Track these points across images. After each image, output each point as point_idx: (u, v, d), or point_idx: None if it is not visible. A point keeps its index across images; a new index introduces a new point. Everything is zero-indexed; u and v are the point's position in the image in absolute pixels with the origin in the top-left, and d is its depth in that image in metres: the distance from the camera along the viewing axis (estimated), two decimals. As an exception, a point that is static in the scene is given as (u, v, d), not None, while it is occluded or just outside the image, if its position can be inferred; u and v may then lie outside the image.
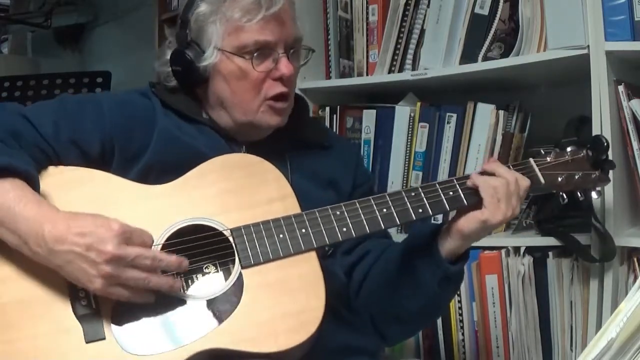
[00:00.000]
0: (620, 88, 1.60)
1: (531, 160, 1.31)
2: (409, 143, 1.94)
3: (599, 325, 1.60)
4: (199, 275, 1.18)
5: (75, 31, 3.59)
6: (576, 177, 1.32)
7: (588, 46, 1.60)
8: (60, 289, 1.12)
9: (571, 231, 1.67)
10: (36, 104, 1.31)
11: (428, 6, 1.92)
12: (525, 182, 1.25)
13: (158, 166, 1.26)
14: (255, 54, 1.28)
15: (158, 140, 1.28)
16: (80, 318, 1.10)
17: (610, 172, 1.38)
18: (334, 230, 1.19)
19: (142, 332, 1.10)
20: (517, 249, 1.76)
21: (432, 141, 1.90)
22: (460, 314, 1.82)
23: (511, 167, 1.28)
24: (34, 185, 1.15)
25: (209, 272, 1.19)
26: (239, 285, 1.14)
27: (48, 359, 1.07)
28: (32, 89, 2.44)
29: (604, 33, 1.58)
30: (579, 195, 1.33)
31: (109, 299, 1.11)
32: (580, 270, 1.66)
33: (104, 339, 1.09)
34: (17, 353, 1.07)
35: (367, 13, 2.06)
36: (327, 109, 2.07)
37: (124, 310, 1.11)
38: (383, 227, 1.22)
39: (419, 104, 1.93)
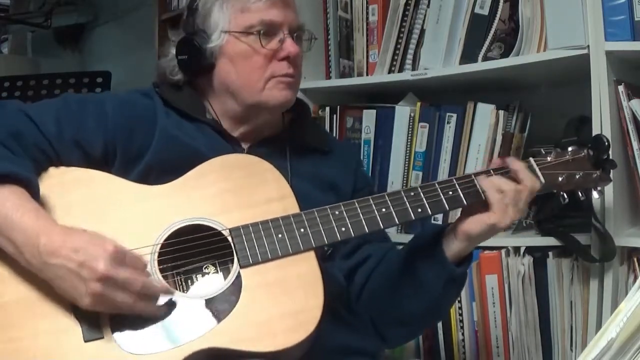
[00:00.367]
0: (620, 88, 1.60)
1: (531, 159, 1.30)
2: (409, 143, 1.94)
3: (599, 325, 1.60)
4: (199, 275, 1.19)
5: (75, 31, 3.59)
6: (577, 176, 1.31)
7: (588, 46, 1.60)
8: None
9: (571, 231, 1.67)
10: (39, 102, 1.30)
11: (428, 6, 1.92)
12: (536, 184, 1.24)
13: (158, 166, 1.26)
14: (261, 33, 1.30)
15: (159, 141, 1.28)
16: (79, 317, 1.10)
17: (612, 171, 1.37)
18: (332, 230, 1.19)
19: (141, 331, 1.10)
20: (517, 249, 1.75)
21: (432, 141, 1.90)
22: (460, 314, 1.82)
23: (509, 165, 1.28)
24: (34, 193, 1.14)
25: (209, 272, 1.19)
26: (237, 284, 1.14)
27: (47, 358, 1.07)
28: (32, 89, 2.44)
29: (604, 33, 1.58)
30: (580, 195, 1.32)
31: None
32: (580, 270, 1.65)
33: (103, 338, 1.09)
34: (17, 352, 1.07)
35: (367, 13, 2.06)
36: (327, 109, 2.07)
37: None
38: (382, 226, 1.22)
39: (419, 104, 1.93)
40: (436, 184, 1.25)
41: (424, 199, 1.23)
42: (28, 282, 1.11)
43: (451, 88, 2.04)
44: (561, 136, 1.45)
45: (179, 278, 1.18)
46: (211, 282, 1.18)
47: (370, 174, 1.98)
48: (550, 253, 1.71)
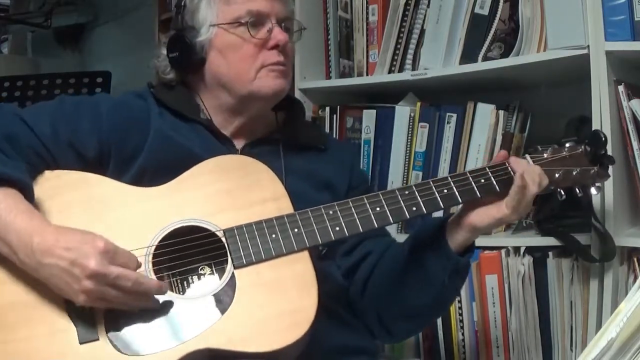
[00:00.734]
0: (620, 88, 1.60)
1: (527, 156, 1.30)
2: (409, 143, 1.94)
3: (599, 325, 1.60)
4: (194, 277, 1.19)
5: (75, 31, 3.58)
6: (574, 173, 1.30)
7: (588, 46, 1.60)
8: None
9: (571, 231, 1.67)
10: (33, 105, 1.32)
11: (428, 6, 1.92)
12: (545, 181, 1.24)
13: (152, 167, 1.26)
14: (249, 23, 1.31)
15: (153, 142, 1.29)
16: (74, 319, 1.10)
17: (610, 167, 1.36)
18: (326, 230, 1.19)
19: (135, 332, 1.10)
20: (517, 249, 1.75)
21: (432, 141, 1.90)
22: (460, 314, 1.82)
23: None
24: (28, 195, 1.15)
25: (204, 274, 1.19)
26: (231, 285, 1.14)
27: None
28: (32, 89, 2.44)
29: (604, 33, 1.58)
30: (577, 191, 1.31)
31: None
32: (580, 270, 1.65)
33: (97, 339, 1.09)
34: (13, 354, 1.07)
35: (367, 13, 2.06)
36: (327, 109, 2.07)
37: (118, 311, 1.11)
38: (376, 225, 1.21)
39: (419, 104, 1.93)
40: (431, 182, 1.24)
41: (418, 198, 1.22)
42: (23, 284, 1.12)
43: (451, 88, 2.04)
44: (561, 136, 1.44)
45: (174, 279, 1.18)
46: (207, 283, 1.18)
47: (370, 174, 1.98)
48: (550, 253, 1.70)
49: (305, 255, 1.18)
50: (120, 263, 1.08)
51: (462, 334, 1.83)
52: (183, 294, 1.17)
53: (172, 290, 1.16)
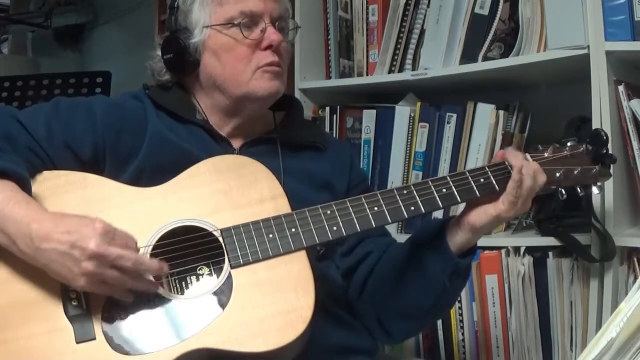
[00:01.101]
0: (620, 88, 1.60)
1: (527, 155, 1.29)
2: (409, 143, 1.94)
3: (599, 325, 1.60)
4: (192, 277, 1.19)
5: (75, 31, 3.58)
6: (575, 172, 1.29)
7: (588, 46, 1.60)
8: (53, 290, 1.12)
9: (571, 231, 1.67)
10: (29, 107, 1.32)
11: (428, 6, 1.93)
12: (542, 177, 1.24)
13: (150, 168, 1.26)
14: (242, 23, 1.30)
15: (150, 143, 1.29)
16: (71, 319, 1.10)
17: (612, 166, 1.35)
18: (324, 230, 1.19)
19: (132, 332, 1.10)
20: (517, 249, 1.75)
21: (432, 141, 1.90)
22: (460, 314, 1.83)
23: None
24: (25, 187, 1.15)
25: (202, 274, 1.19)
26: (228, 285, 1.14)
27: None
28: (32, 89, 2.43)
29: (604, 33, 1.58)
30: (579, 190, 1.30)
31: (99, 299, 1.11)
32: (580, 270, 1.66)
33: (94, 339, 1.09)
34: (10, 354, 1.08)
35: (367, 13, 2.06)
36: (327, 109, 2.08)
37: (115, 311, 1.12)
38: (374, 225, 1.21)
39: (419, 104, 1.93)
40: (430, 182, 1.24)
41: (417, 197, 1.22)
42: (20, 284, 1.12)
43: (451, 88, 2.04)
44: (561, 136, 1.44)
45: (172, 279, 1.17)
46: (204, 283, 1.18)
47: (370, 174, 1.98)
48: (550, 253, 1.70)
49: (302, 255, 1.17)
50: (120, 244, 1.09)
51: (462, 334, 1.83)
52: (180, 293, 1.17)
53: (170, 290, 1.16)
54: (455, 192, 1.23)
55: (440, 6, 1.89)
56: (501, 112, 1.83)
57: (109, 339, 1.09)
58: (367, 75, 2.06)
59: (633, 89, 1.61)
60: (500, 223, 1.24)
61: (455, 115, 1.87)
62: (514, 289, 1.74)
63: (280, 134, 1.39)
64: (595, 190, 1.32)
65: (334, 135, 2.03)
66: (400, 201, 1.22)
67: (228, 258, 1.16)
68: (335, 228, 1.19)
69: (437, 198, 1.22)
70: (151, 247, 1.16)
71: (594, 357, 0.70)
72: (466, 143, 1.86)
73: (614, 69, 1.60)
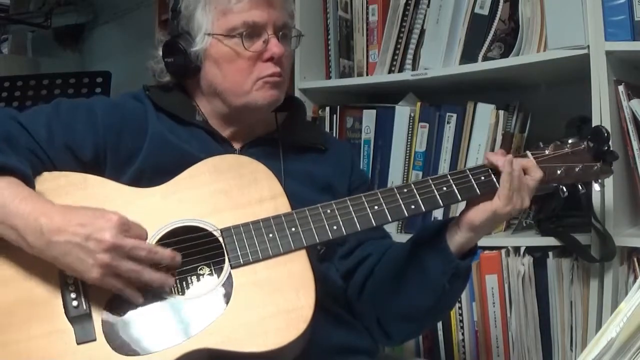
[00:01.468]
0: (620, 88, 1.60)
1: (528, 152, 1.29)
2: (409, 143, 1.94)
3: (599, 325, 1.60)
4: (192, 277, 1.19)
5: (75, 31, 3.58)
6: (576, 169, 1.29)
7: (588, 46, 1.60)
8: (53, 291, 1.12)
9: (571, 231, 1.67)
10: (30, 109, 1.31)
11: (428, 6, 1.93)
12: (538, 173, 1.24)
13: (150, 169, 1.26)
14: (244, 35, 1.29)
15: (150, 144, 1.28)
16: (71, 320, 1.10)
17: (613, 163, 1.34)
18: (324, 229, 1.19)
19: (133, 332, 1.10)
20: (517, 249, 1.76)
21: (432, 141, 1.90)
22: (460, 314, 1.83)
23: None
24: (30, 185, 1.16)
25: (203, 274, 1.19)
26: (228, 285, 1.14)
27: None
28: (32, 89, 2.44)
29: (604, 33, 1.58)
30: (580, 187, 1.29)
31: (100, 300, 1.11)
32: (580, 270, 1.66)
33: (95, 340, 1.09)
34: (10, 356, 1.08)
35: (367, 13, 2.06)
36: (327, 109, 2.08)
37: (115, 312, 1.12)
38: (374, 224, 1.21)
39: (419, 104, 1.93)
40: (430, 180, 1.24)
41: (417, 196, 1.22)
42: (21, 285, 1.12)
43: (451, 88, 2.04)
44: (562, 136, 1.44)
45: (173, 278, 1.18)
46: (205, 283, 1.18)
47: (370, 174, 1.98)
48: (550, 253, 1.70)
49: (302, 255, 1.17)
50: (134, 235, 1.10)
51: (462, 334, 1.83)
52: (181, 293, 1.16)
53: (171, 290, 1.16)
54: (456, 190, 1.23)
55: (440, 6, 1.89)
56: (501, 112, 1.83)
57: (110, 340, 1.09)
58: (367, 75, 2.06)
59: (633, 89, 1.61)
60: (499, 221, 1.23)
61: (455, 115, 1.87)
62: (514, 289, 1.74)
63: (281, 135, 1.39)
64: (596, 187, 1.31)
65: (334, 135, 2.03)
66: (400, 200, 1.21)
67: (228, 258, 1.16)
68: (335, 227, 1.19)
69: (438, 196, 1.22)
70: (152, 247, 1.16)
71: (594, 357, 0.70)
72: (466, 143, 1.86)
73: (614, 69, 1.60)
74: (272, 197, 1.22)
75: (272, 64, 1.30)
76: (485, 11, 1.84)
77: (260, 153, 1.32)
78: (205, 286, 1.16)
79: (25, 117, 1.26)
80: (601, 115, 1.58)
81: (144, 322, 1.12)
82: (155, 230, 1.17)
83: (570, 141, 1.31)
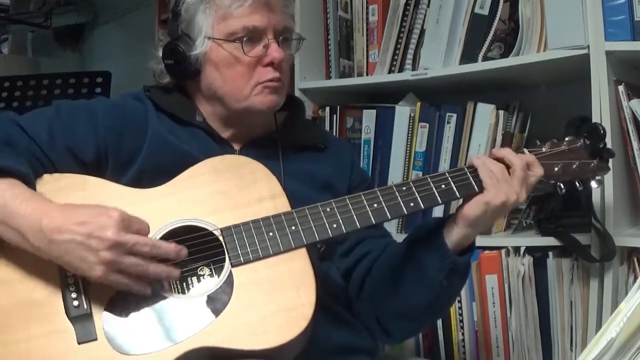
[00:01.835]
0: (620, 88, 1.60)
1: (525, 150, 1.29)
2: (409, 143, 1.94)
3: (599, 325, 1.60)
4: (193, 277, 1.19)
5: (75, 31, 3.58)
6: (574, 166, 1.29)
7: (588, 46, 1.60)
8: (53, 291, 1.13)
9: (571, 231, 1.67)
10: (31, 112, 1.31)
11: (428, 6, 1.93)
12: (539, 170, 1.24)
13: (150, 170, 1.26)
14: (244, 39, 1.29)
15: (150, 145, 1.29)
16: (72, 319, 1.10)
17: (610, 160, 1.34)
18: (324, 227, 1.19)
19: (133, 332, 1.10)
20: (517, 249, 1.76)
21: (432, 141, 1.90)
22: (460, 314, 1.83)
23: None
24: (31, 185, 1.16)
25: (203, 274, 1.19)
26: (229, 283, 1.14)
27: None
28: (32, 89, 2.43)
29: (604, 33, 1.58)
30: (578, 185, 1.30)
31: (101, 300, 1.12)
32: (580, 270, 1.66)
33: (96, 339, 1.09)
34: (11, 355, 1.08)
35: (367, 13, 2.06)
36: (327, 109, 2.08)
37: (116, 311, 1.12)
38: (374, 222, 1.21)
39: (419, 104, 1.93)
40: (428, 178, 1.24)
41: (416, 193, 1.22)
42: (22, 286, 1.12)
43: (451, 88, 2.04)
44: (562, 136, 1.44)
45: (173, 279, 1.18)
46: (206, 283, 1.18)
47: (370, 174, 1.98)
48: (550, 253, 1.71)
49: (303, 253, 1.18)
50: (136, 230, 1.10)
51: (462, 334, 1.83)
52: (181, 293, 1.17)
53: (171, 290, 1.16)
54: (454, 188, 1.23)
55: (440, 6, 1.89)
56: (501, 112, 1.83)
57: (111, 339, 1.10)
58: (367, 75, 2.06)
59: (633, 89, 1.61)
60: (496, 214, 1.23)
61: (455, 115, 1.87)
62: (514, 289, 1.74)
63: (281, 135, 1.39)
64: (594, 184, 1.32)
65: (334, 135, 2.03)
66: (399, 197, 1.22)
67: (228, 257, 1.16)
68: (335, 225, 1.20)
69: (436, 194, 1.23)
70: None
71: (594, 357, 0.70)
72: (466, 143, 1.86)
73: (614, 69, 1.60)
74: (271, 196, 1.22)
75: (272, 68, 1.30)
76: (485, 11, 1.84)
77: (259, 153, 1.32)
78: (205, 286, 1.17)
79: (26, 120, 1.26)
80: (601, 115, 1.58)
81: (145, 321, 1.12)
82: (155, 231, 1.17)
83: (567, 139, 1.32)
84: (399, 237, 1.41)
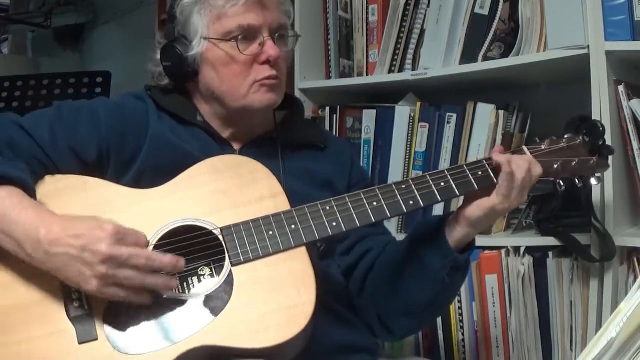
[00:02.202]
0: (620, 88, 1.60)
1: (524, 147, 1.29)
2: (409, 143, 1.94)
3: (599, 325, 1.60)
4: (194, 277, 1.19)
5: (75, 31, 3.58)
6: (573, 163, 1.29)
7: (588, 46, 1.60)
8: (54, 292, 1.13)
9: (571, 231, 1.67)
10: (33, 113, 1.32)
11: (428, 6, 1.93)
12: (537, 169, 1.24)
13: (151, 170, 1.27)
14: (240, 38, 1.29)
15: (151, 144, 1.29)
16: (73, 320, 1.11)
17: (610, 158, 1.34)
18: (323, 225, 1.19)
19: (134, 331, 1.11)
20: (517, 249, 1.76)
21: (432, 141, 1.90)
22: (460, 314, 1.83)
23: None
24: (29, 193, 1.16)
25: (204, 274, 1.19)
26: (229, 282, 1.14)
27: None
28: (32, 89, 2.44)
29: (604, 33, 1.58)
30: (577, 182, 1.30)
31: (101, 299, 1.11)
32: (580, 270, 1.66)
33: (96, 339, 1.09)
34: (12, 356, 1.08)
35: (367, 13, 2.06)
36: (327, 109, 2.08)
37: (116, 311, 1.12)
38: (373, 220, 1.21)
39: (419, 104, 1.93)
40: (428, 176, 1.24)
41: (415, 191, 1.22)
42: (23, 287, 1.12)
43: (451, 88, 2.04)
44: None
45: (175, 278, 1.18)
46: (206, 282, 1.18)
47: (370, 174, 1.98)
48: (550, 253, 1.71)
49: (303, 252, 1.18)
50: (131, 243, 1.09)
51: (462, 334, 1.83)
52: (181, 292, 1.17)
53: (172, 290, 1.16)
54: (454, 186, 1.23)
55: (440, 6, 1.89)
56: (501, 112, 1.83)
57: (111, 339, 1.10)
58: (367, 75, 2.06)
59: (633, 89, 1.61)
60: (498, 216, 1.24)
61: (455, 115, 1.87)
62: (514, 289, 1.74)
63: (280, 134, 1.39)
64: (593, 181, 1.31)
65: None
66: (399, 195, 1.22)
67: (228, 256, 1.16)
68: (334, 224, 1.20)
69: (436, 192, 1.23)
70: (152, 247, 1.16)
71: (594, 357, 0.70)
72: (466, 143, 1.86)
73: (614, 69, 1.60)
74: (271, 195, 1.22)
75: (269, 66, 1.31)
76: (485, 11, 1.84)
77: (259, 153, 1.32)
78: (205, 285, 1.17)
79: (28, 121, 1.27)
80: (601, 115, 1.58)
81: (145, 320, 1.12)
82: (155, 231, 1.17)
83: (566, 136, 1.32)
84: (399, 237, 1.41)
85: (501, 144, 1.82)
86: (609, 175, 1.54)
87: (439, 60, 1.88)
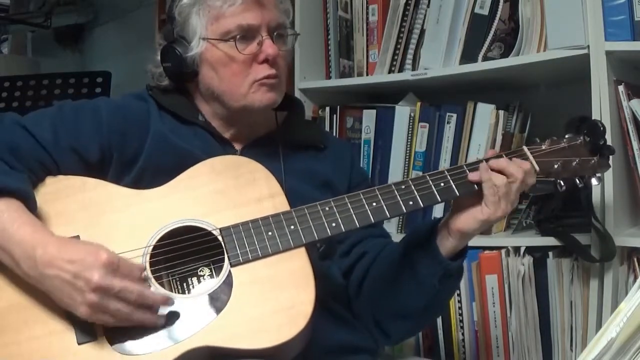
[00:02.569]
0: (620, 88, 1.60)
1: (525, 147, 1.28)
2: (409, 143, 1.94)
3: (599, 325, 1.60)
4: (193, 278, 1.19)
5: (75, 31, 3.58)
6: (573, 163, 1.28)
7: (588, 46, 1.60)
8: None
9: (571, 231, 1.67)
10: (34, 112, 1.31)
11: (428, 6, 1.93)
12: (531, 179, 1.23)
13: (151, 169, 1.27)
14: (238, 37, 1.29)
15: (152, 144, 1.29)
16: (72, 320, 1.10)
17: (610, 158, 1.33)
18: (322, 226, 1.19)
19: (133, 332, 1.10)
20: (517, 249, 1.76)
21: (432, 141, 1.90)
22: (460, 314, 1.83)
23: (503, 155, 1.26)
24: (30, 205, 1.15)
25: (203, 275, 1.20)
26: (228, 283, 1.14)
27: None
28: (32, 89, 2.43)
29: (604, 33, 1.58)
30: (578, 182, 1.29)
31: None
32: (580, 270, 1.66)
33: (96, 340, 1.10)
34: (13, 356, 1.08)
35: (367, 13, 2.06)
36: (327, 109, 2.08)
37: None
38: (373, 220, 1.21)
39: (419, 104, 1.93)
40: (427, 176, 1.24)
41: (415, 192, 1.22)
42: (23, 287, 1.12)
43: (451, 88, 2.04)
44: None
45: (173, 280, 1.18)
46: (205, 282, 1.18)
47: (370, 174, 1.98)
48: (550, 253, 1.71)
49: (302, 252, 1.18)
50: (124, 274, 1.08)
51: (462, 334, 1.83)
52: (181, 293, 1.17)
53: (171, 290, 1.16)
54: (453, 186, 1.23)
55: (440, 6, 1.89)
56: (501, 112, 1.83)
57: (110, 339, 1.10)
58: (367, 75, 2.06)
59: (633, 89, 1.61)
60: (493, 224, 1.24)
61: (455, 115, 1.87)
62: (514, 289, 1.74)
63: (281, 134, 1.39)
64: (594, 181, 1.31)
65: (334, 135, 2.03)
66: (398, 196, 1.22)
67: (228, 257, 1.16)
68: (334, 224, 1.20)
69: (435, 192, 1.23)
70: (152, 247, 1.16)
71: (594, 357, 0.70)
72: (466, 143, 1.86)
73: (614, 69, 1.60)
74: (270, 196, 1.22)
75: (268, 65, 1.31)
76: (485, 11, 1.84)
77: (260, 153, 1.32)
78: (205, 285, 1.17)
79: (30, 121, 1.26)
80: (601, 115, 1.58)
81: None
82: (154, 231, 1.17)
83: (567, 136, 1.31)
84: (399, 237, 1.41)
85: (501, 144, 1.82)
86: (609, 175, 1.54)
87: (439, 60, 1.88)
